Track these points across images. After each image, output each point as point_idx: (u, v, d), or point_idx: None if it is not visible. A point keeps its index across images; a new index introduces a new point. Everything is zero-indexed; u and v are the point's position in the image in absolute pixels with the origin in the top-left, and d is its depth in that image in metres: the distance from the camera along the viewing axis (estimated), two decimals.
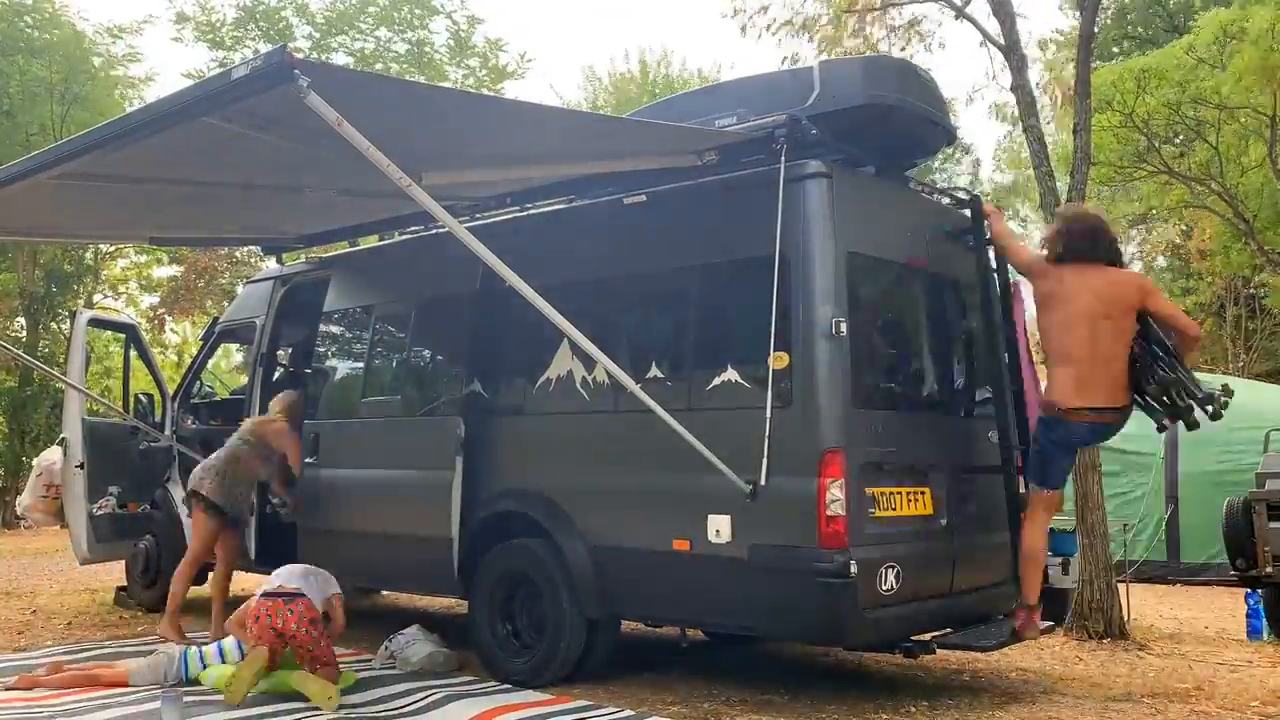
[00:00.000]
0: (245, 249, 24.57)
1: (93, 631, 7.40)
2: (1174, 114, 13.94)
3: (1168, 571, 10.66)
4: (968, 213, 5.76)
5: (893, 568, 4.73)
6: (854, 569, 4.49)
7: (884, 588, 4.70)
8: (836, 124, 5.08)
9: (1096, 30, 9.91)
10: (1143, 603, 8.85)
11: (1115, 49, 20.52)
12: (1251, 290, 19.19)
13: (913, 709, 5.03)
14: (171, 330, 29.30)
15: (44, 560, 13.02)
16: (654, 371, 5.26)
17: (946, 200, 6.11)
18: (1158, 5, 20.69)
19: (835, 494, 4.54)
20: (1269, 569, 6.89)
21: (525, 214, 6.25)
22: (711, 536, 4.85)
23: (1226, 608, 8.77)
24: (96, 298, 26.59)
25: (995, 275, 5.78)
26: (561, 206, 6.13)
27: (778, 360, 4.74)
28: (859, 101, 5.15)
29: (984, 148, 42.30)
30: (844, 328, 4.69)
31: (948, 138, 5.90)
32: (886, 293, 5.44)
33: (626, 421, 5.22)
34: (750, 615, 4.91)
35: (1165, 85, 13.36)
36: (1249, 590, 7.47)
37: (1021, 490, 5.29)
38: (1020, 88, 7.80)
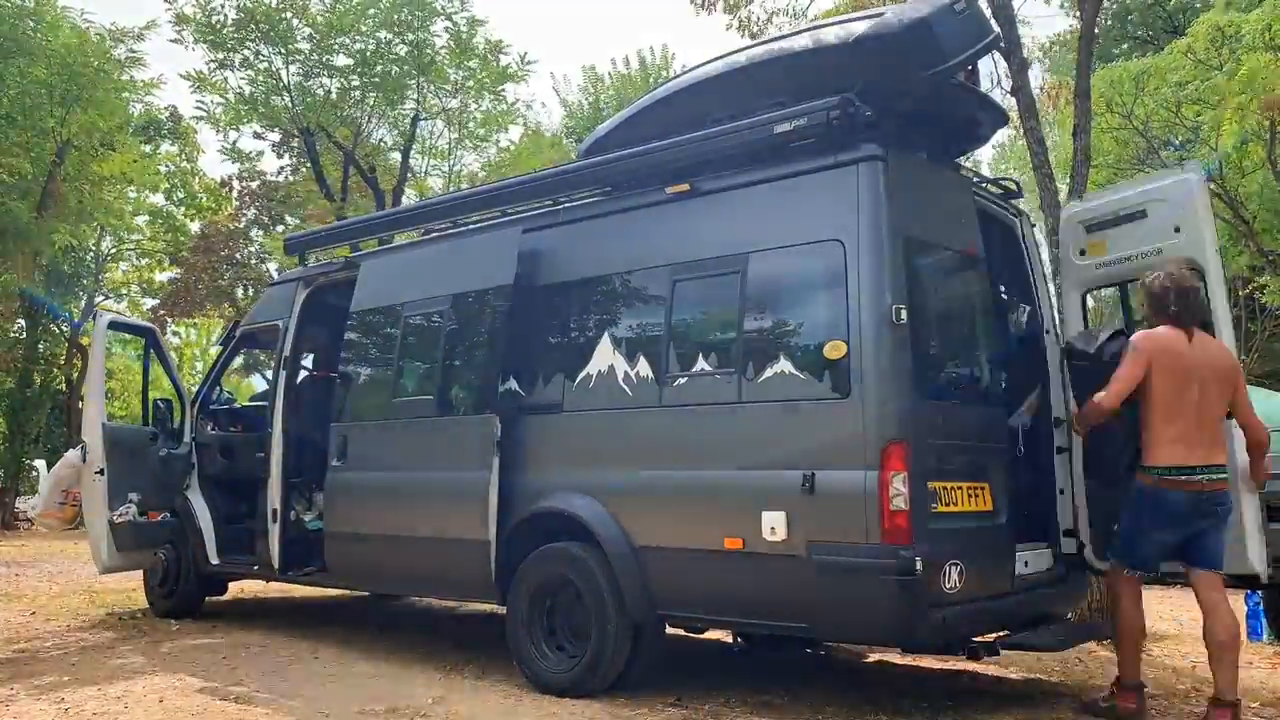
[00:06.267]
0: (246, 251, 24.66)
1: (92, 633, 7.41)
2: (1173, 115, 13.97)
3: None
4: (1018, 203, 5.74)
5: (956, 565, 4.53)
6: (919, 566, 4.31)
7: (948, 586, 4.49)
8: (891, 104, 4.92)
9: (1097, 32, 9.92)
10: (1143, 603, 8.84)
11: (1116, 50, 20.52)
12: (1252, 292, 19.16)
13: (913, 710, 5.03)
14: (173, 333, 29.37)
15: (43, 562, 13.03)
16: (702, 364, 5.11)
17: (994, 189, 5.91)
18: (1158, 6, 20.70)
19: (898, 488, 4.36)
20: (1269, 570, 6.87)
21: (564, 206, 6.10)
22: (766, 534, 4.65)
23: None
24: (98, 299, 26.64)
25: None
26: (602, 198, 5.96)
27: (834, 349, 4.62)
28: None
29: (984, 149, 42.26)
30: (904, 315, 4.52)
31: (1003, 120, 5.75)
32: (945, 280, 5.26)
33: (673, 417, 5.11)
34: (809, 616, 4.71)
35: (1164, 87, 13.39)
36: (1249, 591, 7.47)
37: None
38: (1020, 90, 7.80)
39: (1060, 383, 5.52)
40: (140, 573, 8.32)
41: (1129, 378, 4.67)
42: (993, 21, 6.08)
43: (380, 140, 18.37)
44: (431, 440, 6.17)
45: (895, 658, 6.45)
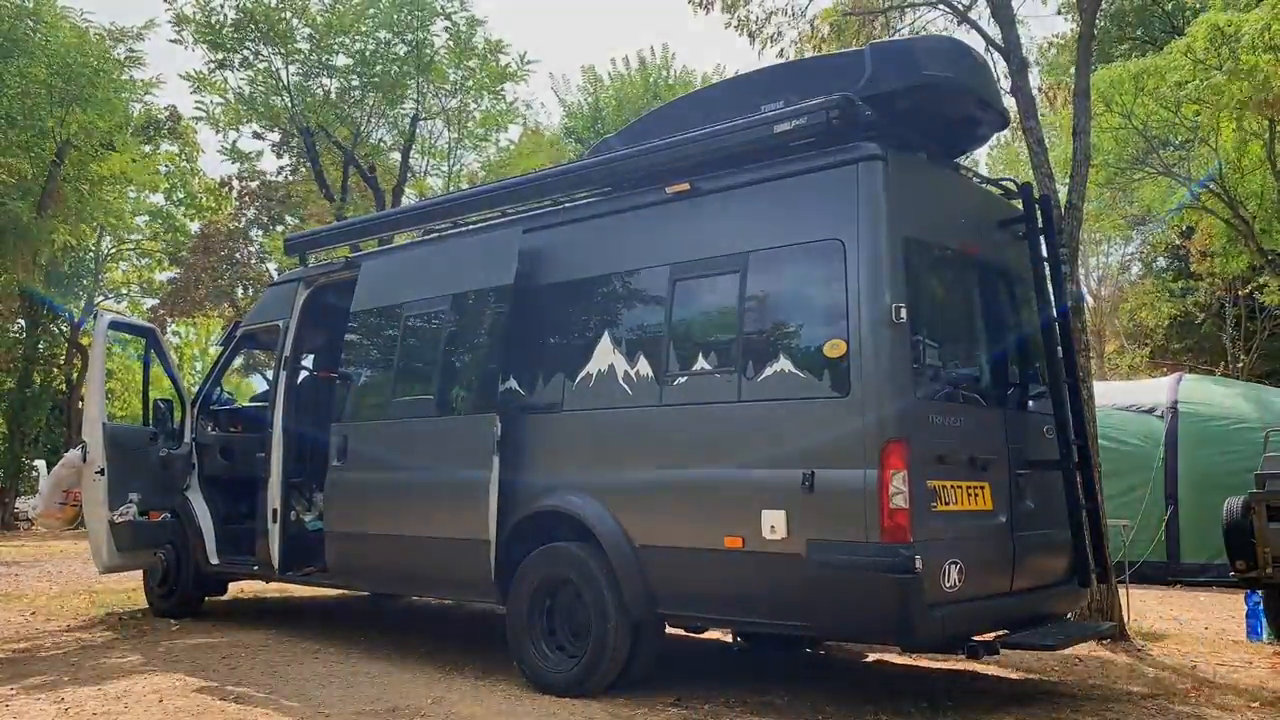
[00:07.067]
0: (246, 251, 24.66)
1: (92, 633, 7.41)
2: (1173, 115, 13.97)
3: (1167, 572, 10.66)
4: (1017, 202, 5.73)
5: (955, 564, 4.56)
6: (919, 564, 4.32)
7: (947, 584, 4.52)
8: (890, 106, 4.97)
9: (1096, 32, 9.91)
10: (1143, 603, 8.85)
11: (1115, 51, 20.52)
12: (1251, 292, 19.18)
13: (912, 710, 5.02)
14: (173, 333, 29.37)
15: (43, 562, 13.03)
16: (702, 363, 5.11)
17: (995, 189, 5.93)
18: (1155, 5, 20.69)
19: (898, 486, 4.37)
20: (1269, 570, 6.88)
21: (565, 206, 6.12)
22: (766, 533, 4.66)
23: (1226, 608, 8.77)
24: (98, 299, 26.64)
25: (1047, 265, 5.68)
26: (602, 198, 5.98)
27: (834, 348, 4.63)
28: (915, 80, 5.04)
29: (981, 150, 42.23)
30: (904, 314, 4.54)
31: (1002, 122, 5.78)
32: (943, 280, 5.30)
33: (673, 416, 5.12)
34: (808, 614, 4.71)
35: (1164, 86, 13.38)
36: (1249, 591, 7.48)
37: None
38: (1019, 90, 7.79)
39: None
40: (140, 573, 8.32)
41: None
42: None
43: (380, 140, 18.35)
44: (432, 440, 6.16)
45: (895, 657, 6.45)
